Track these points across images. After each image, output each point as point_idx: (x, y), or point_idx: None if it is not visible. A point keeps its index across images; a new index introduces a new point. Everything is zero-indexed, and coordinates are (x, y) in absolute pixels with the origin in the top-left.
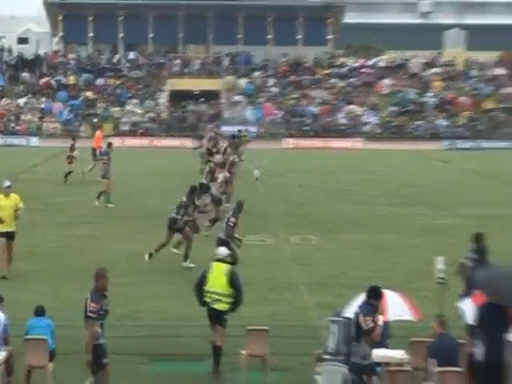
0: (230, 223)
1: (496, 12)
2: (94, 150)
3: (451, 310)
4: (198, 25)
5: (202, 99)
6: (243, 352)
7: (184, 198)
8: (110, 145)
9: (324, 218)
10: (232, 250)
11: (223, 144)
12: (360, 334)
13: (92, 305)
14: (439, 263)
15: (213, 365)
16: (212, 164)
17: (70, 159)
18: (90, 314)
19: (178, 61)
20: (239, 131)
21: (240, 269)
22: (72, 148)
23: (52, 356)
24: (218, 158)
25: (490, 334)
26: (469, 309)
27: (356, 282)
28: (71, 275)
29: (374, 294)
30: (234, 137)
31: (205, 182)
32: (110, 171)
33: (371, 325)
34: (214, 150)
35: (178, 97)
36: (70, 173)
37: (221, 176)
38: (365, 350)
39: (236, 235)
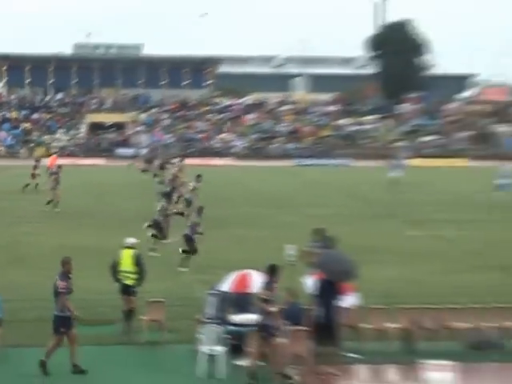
0: (195, 222)
1: (331, 64)
2: (48, 168)
3: (298, 285)
4: (110, 73)
5: (113, 129)
6: (145, 318)
7: (163, 201)
8: (60, 166)
9: (205, 218)
10: (194, 242)
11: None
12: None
13: (62, 283)
14: (289, 250)
15: (124, 326)
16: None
17: (34, 176)
18: (61, 290)
19: (94, 100)
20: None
21: (145, 255)
22: (35, 167)
23: (0, 323)
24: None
25: (326, 302)
26: (311, 283)
27: (227, 264)
28: (18, 262)
29: (271, 271)
30: (182, 156)
31: (168, 189)
32: (58, 185)
33: (268, 296)
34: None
35: (94, 127)
36: (27, 185)
37: (191, 184)
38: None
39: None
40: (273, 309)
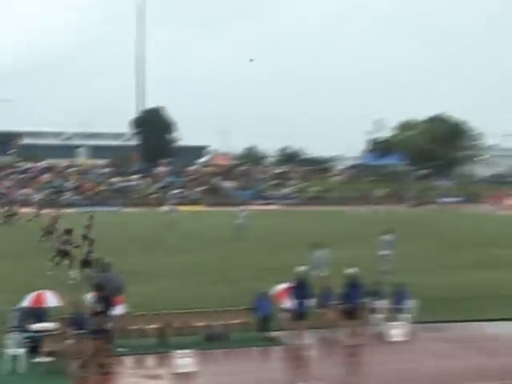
0: (90, 251)
1: (106, 137)
2: None
3: (83, 299)
4: None
5: None
6: None
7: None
8: None
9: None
10: (90, 266)
11: None
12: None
13: None
14: (72, 274)
15: None
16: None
17: None
18: None
19: None
20: None
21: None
22: None
23: None
24: None
25: (103, 311)
26: (91, 298)
27: (45, 285)
28: None
29: (98, 288)
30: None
31: None
32: None
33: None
34: None
35: None
36: None
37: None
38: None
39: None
40: (103, 318)
